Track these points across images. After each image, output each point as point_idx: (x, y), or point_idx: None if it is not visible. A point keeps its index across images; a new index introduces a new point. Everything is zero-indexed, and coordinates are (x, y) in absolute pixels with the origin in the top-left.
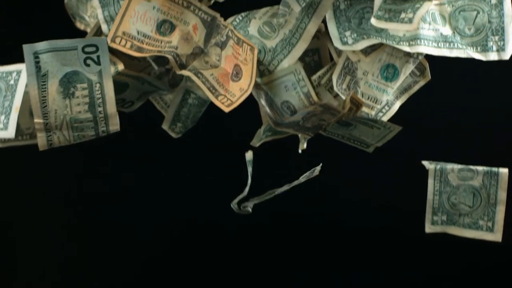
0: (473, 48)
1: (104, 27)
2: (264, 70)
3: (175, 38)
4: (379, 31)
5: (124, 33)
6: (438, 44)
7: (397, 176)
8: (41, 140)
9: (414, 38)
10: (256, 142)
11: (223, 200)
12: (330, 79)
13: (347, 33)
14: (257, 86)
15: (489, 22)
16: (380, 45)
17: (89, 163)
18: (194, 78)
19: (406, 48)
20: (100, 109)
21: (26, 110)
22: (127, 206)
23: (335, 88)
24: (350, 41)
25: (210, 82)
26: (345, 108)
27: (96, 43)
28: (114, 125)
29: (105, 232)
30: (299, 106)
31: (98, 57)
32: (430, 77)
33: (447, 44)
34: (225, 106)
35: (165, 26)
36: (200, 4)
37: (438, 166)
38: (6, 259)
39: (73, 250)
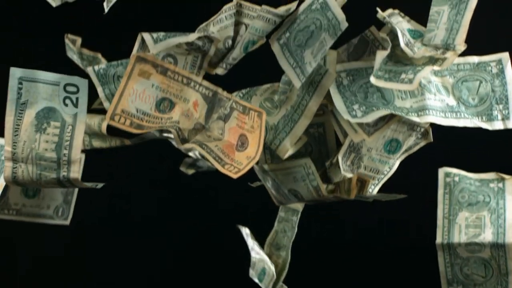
0: (478, 118)
1: (106, 105)
2: (266, 149)
3: (175, 114)
4: (387, 104)
5: (123, 111)
6: (445, 114)
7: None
8: (7, 171)
9: (422, 109)
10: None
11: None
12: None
13: (355, 107)
14: (263, 171)
15: (493, 91)
16: (384, 123)
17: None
18: (198, 148)
19: (416, 119)
20: (66, 152)
21: None
22: (127, 206)
23: (341, 167)
24: (359, 114)
25: (215, 152)
26: (352, 193)
27: (77, 83)
28: (75, 173)
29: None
30: (307, 196)
31: (77, 99)
32: (432, 139)
33: (454, 114)
34: (233, 173)
35: (164, 104)
36: (201, 80)
37: (445, 242)
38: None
39: (72, 255)
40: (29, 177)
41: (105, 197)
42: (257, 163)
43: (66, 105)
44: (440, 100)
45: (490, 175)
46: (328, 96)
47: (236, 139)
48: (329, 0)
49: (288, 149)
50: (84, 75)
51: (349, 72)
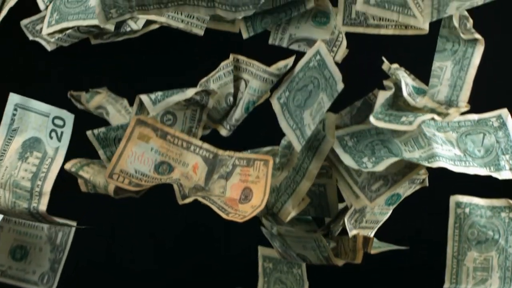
0: (487, 168)
1: (107, 166)
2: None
3: (175, 175)
4: (396, 155)
5: (121, 171)
6: (454, 162)
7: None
8: None
9: (432, 156)
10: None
11: None
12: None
13: (365, 159)
14: (271, 234)
15: (497, 142)
16: (387, 189)
17: None
18: (201, 199)
19: (426, 164)
20: (39, 183)
21: None
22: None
23: (347, 227)
24: (370, 165)
25: (218, 203)
26: (359, 256)
27: (65, 118)
28: (43, 205)
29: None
30: (316, 262)
31: (61, 133)
32: (427, 184)
33: (463, 163)
34: (239, 219)
35: (163, 167)
36: (202, 143)
37: (453, 287)
38: None
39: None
40: (5, 204)
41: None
42: (264, 226)
43: (51, 137)
44: (447, 150)
45: (502, 202)
46: (328, 159)
47: (239, 194)
48: (326, 57)
49: (290, 212)
50: None
51: (353, 135)
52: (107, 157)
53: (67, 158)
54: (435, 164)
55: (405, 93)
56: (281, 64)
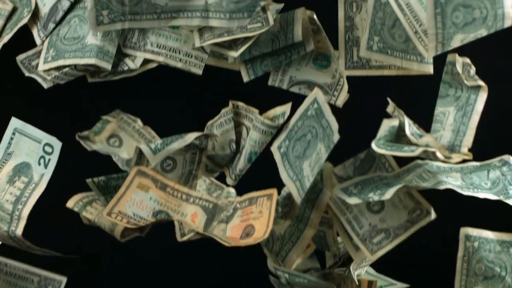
0: (496, 195)
1: None
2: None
3: (174, 219)
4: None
5: (120, 212)
6: (462, 189)
7: None
8: None
9: (439, 182)
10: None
11: None
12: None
13: (371, 194)
14: (280, 283)
15: (503, 175)
16: (388, 243)
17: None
18: (202, 234)
19: (433, 186)
20: (20, 207)
21: None
22: None
23: (352, 274)
24: (376, 196)
25: (219, 236)
26: None
27: (53, 145)
28: (20, 229)
29: None
30: None
31: (49, 160)
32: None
33: (471, 189)
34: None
35: (161, 215)
36: (201, 194)
37: None
38: None
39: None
40: None
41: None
42: (272, 274)
43: (39, 164)
44: (454, 179)
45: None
46: (330, 209)
47: (240, 233)
48: (323, 106)
49: (295, 260)
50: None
51: (357, 184)
52: (108, 202)
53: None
54: (442, 186)
55: (408, 132)
56: (278, 110)
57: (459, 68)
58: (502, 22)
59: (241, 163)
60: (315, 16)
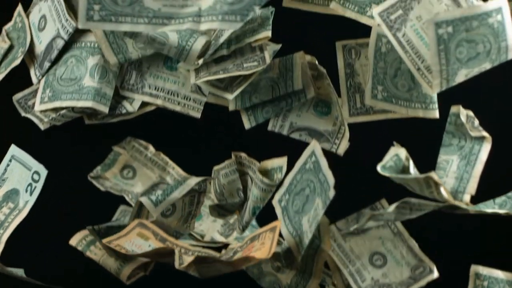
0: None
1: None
2: None
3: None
4: None
5: (119, 245)
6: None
7: None
8: None
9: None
10: None
11: None
12: None
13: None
14: None
15: (509, 198)
16: None
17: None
18: (201, 255)
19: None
20: (1, 232)
21: None
22: None
23: None
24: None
25: (221, 256)
26: None
27: (40, 173)
28: None
29: None
30: None
31: (34, 188)
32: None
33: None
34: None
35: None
36: (202, 247)
37: None
38: None
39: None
40: None
41: None
42: None
43: (26, 191)
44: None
45: None
46: (331, 261)
47: (240, 266)
48: (320, 159)
49: None
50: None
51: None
52: None
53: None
54: None
55: (412, 171)
56: (276, 163)
57: (463, 118)
58: (506, 54)
59: (247, 216)
60: (315, 61)
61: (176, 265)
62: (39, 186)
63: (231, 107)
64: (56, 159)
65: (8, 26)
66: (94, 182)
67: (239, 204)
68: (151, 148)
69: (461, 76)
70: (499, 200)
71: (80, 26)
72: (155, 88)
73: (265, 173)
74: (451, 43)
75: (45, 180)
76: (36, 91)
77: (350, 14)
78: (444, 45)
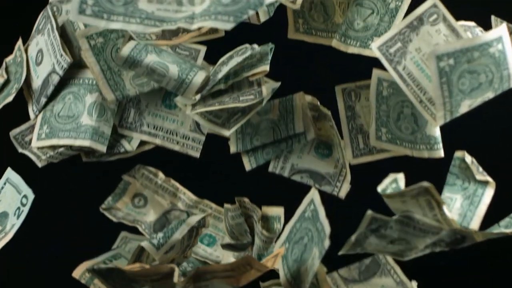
0: None
1: None
2: None
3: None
4: None
5: None
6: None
7: None
8: None
9: None
10: None
11: None
12: None
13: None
14: None
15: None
16: None
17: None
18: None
19: None
20: None
21: None
22: None
23: None
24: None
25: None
26: None
27: (28, 197)
28: None
29: None
30: None
31: (22, 212)
32: None
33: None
34: None
35: None
36: None
37: None
38: None
39: None
40: None
41: None
42: None
43: (14, 214)
44: None
45: None
46: None
47: (242, 280)
48: (319, 208)
49: None
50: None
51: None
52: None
53: None
54: None
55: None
56: (274, 212)
57: (468, 161)
58: (508, 83)
59: (255, 249)
60: (317, 102)
61: (175, 279)
62: (26, 210)
63: (232, 150)
64: (59, 185)
65: (9, 58)
66: (106, 214)
67: (248, 244)
68: (161, 175)
69: (465, 107)
70: (503, 222)
71: (71, 18)
72: (154, 127)
73: (266, 219)
74: (453, 75)
75: (54, 204)
76: (33, 126)
77: (353, 50)
78: (446, 77)
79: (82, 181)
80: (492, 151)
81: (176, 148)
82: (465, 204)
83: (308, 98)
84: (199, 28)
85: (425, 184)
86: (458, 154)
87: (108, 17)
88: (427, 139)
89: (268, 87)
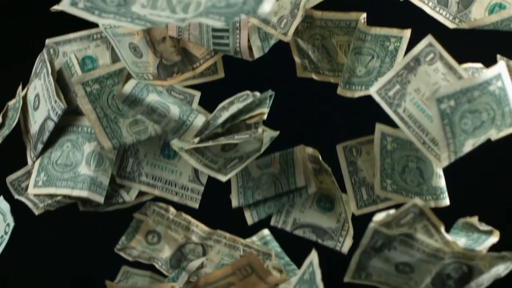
0: None
1: None
2: None
3: None
4: None
5: None
6: None
7: None
8: None
9: None
10: None
11: None
12: None
13: None
14: None
15: None
16: None
17: None
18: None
19: None
20: None
21: None
22: None
23: None
24: None
25: None
26: None
27: (10, 226)
28: None
29: None
30: None
31: (3, 241)
32: None
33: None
34: None
35: None
36: None
37: None
38: None
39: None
40: None
41: None
42: None
43: None
44: None
45: None
46: None
47: None
48: (316, 271)
49: None
50: None
51: None
52: None
53: None
54: None
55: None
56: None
57: (475, 223)
58: (510, 118)
59: None
60: (318, 154)
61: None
62: (6, 239)
63: (234, 204)
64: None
65: (12, 102)
66: (122, 254)
67: None
68: (172, 210)
69: (469, 146)
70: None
71: (62, 8)
72: (153, 177)
73: None
74: (455, 117)
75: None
76: (29, 172)
77: (359, 94)
78: (448, 119)
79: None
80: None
81: (175, 199)
82: (468, 244)
83: (309, 150)
84: (195, 68)
85: (417, 201)
86: (462, 220)
87: (100, 13)
88: (433, 190)
89: (267, 136)
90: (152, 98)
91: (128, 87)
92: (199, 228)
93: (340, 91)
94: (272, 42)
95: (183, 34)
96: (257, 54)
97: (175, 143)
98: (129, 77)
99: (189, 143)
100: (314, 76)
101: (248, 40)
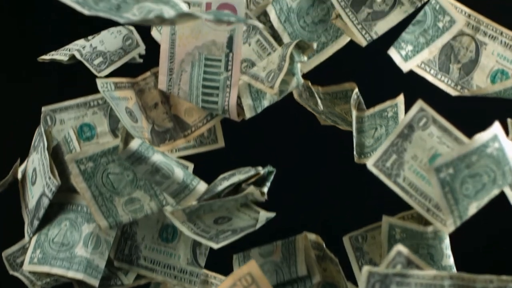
0: None
1: None
2: None
3: None
4: None
5: None
6: None
7: None
8: None
9: None
10: None
11: None
12: None
13: None
14: None
15: None
16: None
17: None
18: None
19: None
20: None
21: None
22: None
23: None
24: None
25: None
26: None
27: None
28: None
29: None
30: None
31: None
32: None
33: None
34: None
35: None
36: None
37: None
38: None
39: None
40: None
41: None
42: None
43: None
44: None
45: None
46: None
47: None
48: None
49: None
50: None
51: None
52: None
53: None
54: None
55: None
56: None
57: None
58: (511, 177)
59: None
60: (321, 241)
61: None
62: None
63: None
64: None
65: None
66: None
67: None
68: None
69: (473, 209)
70: None
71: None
72: (151, 261)
73: None
74: (455, 183)
75: None
76: (25, 247)
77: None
78: (448, 186)
79: None
80: None
81: (174, 282)
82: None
83: (312, 236)
84: (187, 136)
85: (401, 248)
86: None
87: (89, 9)
88: (443, 269)
89: (262, 216)
90: (157, 158)
91: (135, 144)
92: (217, 279)
93: (356, 160)
94: (265, 103)
95: (172, 88)
96: (248, 114)
97: (168, 210)
98: (128, 134)
99: (181, 212)
100: (335, 124)
101: (240, 100)
